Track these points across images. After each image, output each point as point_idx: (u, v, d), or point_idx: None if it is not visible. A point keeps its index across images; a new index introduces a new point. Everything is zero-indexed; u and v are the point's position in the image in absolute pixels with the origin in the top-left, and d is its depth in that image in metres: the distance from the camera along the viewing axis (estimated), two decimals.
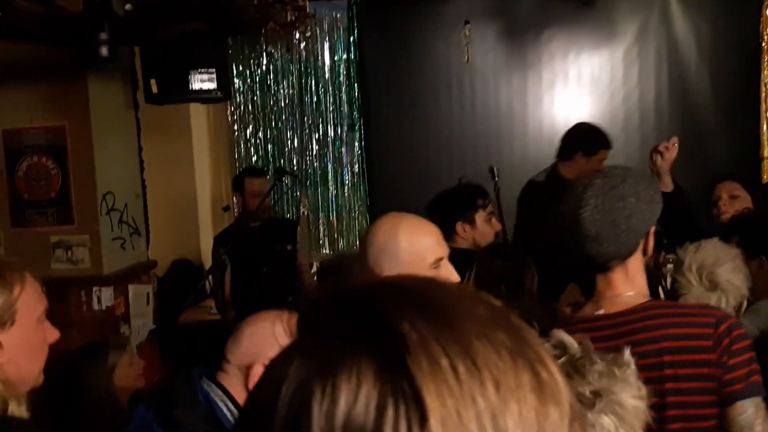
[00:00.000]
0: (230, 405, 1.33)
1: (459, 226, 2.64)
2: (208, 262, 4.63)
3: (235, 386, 1.36)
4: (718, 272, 1.94)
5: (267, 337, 1.32)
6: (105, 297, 3.68)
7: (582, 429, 0.43)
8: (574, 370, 1.03)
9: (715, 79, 4.94)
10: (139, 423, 1.37)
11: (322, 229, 5.30)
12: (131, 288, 3.88)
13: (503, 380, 0.40)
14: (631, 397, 0.98)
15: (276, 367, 0.45)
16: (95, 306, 3.67)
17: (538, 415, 0.40)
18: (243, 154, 5.23)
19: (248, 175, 3.90)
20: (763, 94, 4.95)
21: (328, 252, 5.27)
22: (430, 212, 2.62)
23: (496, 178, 4.18)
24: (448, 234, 2.62)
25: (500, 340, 0.41)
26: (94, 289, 3.66)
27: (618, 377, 1.00)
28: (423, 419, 0.38)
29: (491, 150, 5.09)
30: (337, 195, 5.31)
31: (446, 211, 2.68)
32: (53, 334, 1.34)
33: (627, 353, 1.03)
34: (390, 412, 0.38)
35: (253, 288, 3.64)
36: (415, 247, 1.56)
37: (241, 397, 1.35)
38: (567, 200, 1.54)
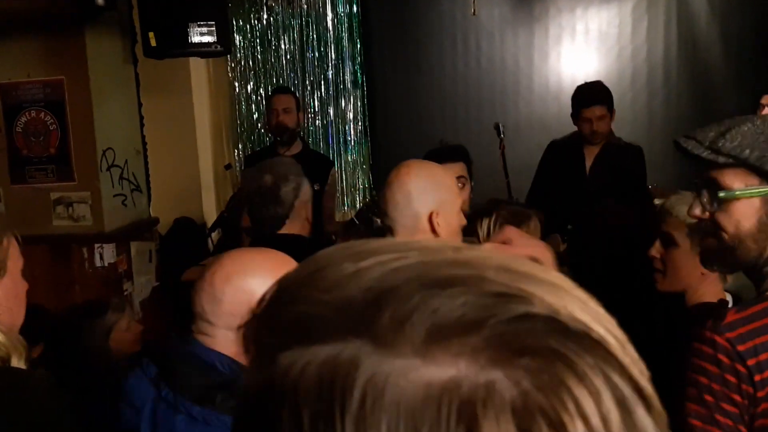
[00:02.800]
0: (227, 364, 1.24)
1: None
2: (210, 221, 4.61)
3: (228, 349, 1.25)
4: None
5: (253, 291, 1.22)
6: (107, 254, 3.66)
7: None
8: None
9: (725, 33, 4.84)
10: (138, 377, 1.34)
11: (337, 182, 5.26)
12: (133, 245, 3.86)
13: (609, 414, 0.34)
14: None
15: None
16: (97, 263, 3.65)
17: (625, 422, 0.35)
18: (244, 110, 5.16)
19: (272, 93, 3.94)
20: None
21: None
22: None
23: (502, 135, 4.12)
24: None
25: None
26: (96, 246, 3.64)
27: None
28: None
29: (496, 106, 5.02)
30: (339, 152, 5.26)
31: None
32: (26, 286, 1.40)
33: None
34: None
35: None
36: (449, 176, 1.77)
37: (239, 357, 1.23)
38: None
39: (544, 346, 0.33)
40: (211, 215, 4.77)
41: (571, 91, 5.09)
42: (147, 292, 4.01)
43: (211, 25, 3.61)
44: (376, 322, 0.34)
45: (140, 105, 4.12)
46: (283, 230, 2.16)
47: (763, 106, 3.83)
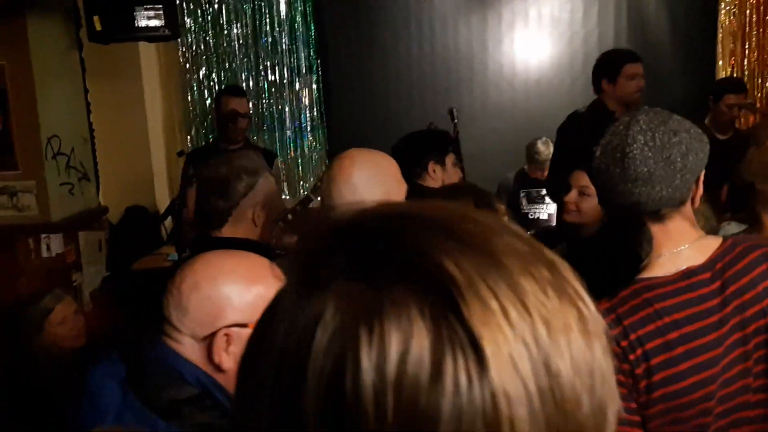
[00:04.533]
0: (195, 375, 1.18)
1: (431, 166, 2.66)
2: (162, 208, 4.53)
3: (194, 357, 1.19)
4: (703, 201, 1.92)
5: (220, 301, 1.16)
6: (54, 244, 3.57)
7: (610, 356, 0.41)
8: None
9: (673, 20, 4.93)
10: (106, 375, 1.24)
11: (281, 174, 5.20)
12: (82, 235, 3.77)
13: (553, 321, 0.37)
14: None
15: (286, 313, 0.39)
16: (44, 253, 3.56)
17: (585, 353, 0.38)
18: (196, 96, 5.07)
19: (225, 94, 3.72)
20: (720, 36, 4.96)
21: (287, 198, 5.20)
22: (400, 150, 2.63)
23: (456, 120, 4.12)
24: (419, 172, 2.63)
25: (544, 277, 0.38)
26: (43, 236, 3.55)
27: None
28: (482, 369, 0.35)
29: (451, 91, 5.03)
30: (295, 139, 5.21)
31: (420, 149, 2.69)
32: None
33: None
34: (448, 362, 0.35)
35: None
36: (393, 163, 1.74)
37: (205, 367, 1.18)
38: (609, 141, 1.31)
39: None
40: (163, 203, 4.69)
41: (524, 75, 5.16)
42: (97, 282, 3.93)
43: (158, 9, 3.53)
44: None
45: (86, 91, 4.01)
46: (225, 228, 2.05)
47: (733, 107, 3.84)
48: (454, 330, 0.35)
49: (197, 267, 1.21)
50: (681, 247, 1.30)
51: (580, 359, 0.37)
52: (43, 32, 3.64)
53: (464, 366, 0.35)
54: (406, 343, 0.35)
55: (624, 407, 1.22)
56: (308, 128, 5.21)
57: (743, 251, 1.30)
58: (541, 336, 0.36)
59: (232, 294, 1.16)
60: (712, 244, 1.32)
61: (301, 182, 5.29)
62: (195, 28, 5.02)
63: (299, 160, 5.23)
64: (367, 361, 0.35)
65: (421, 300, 0.36)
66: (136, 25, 3.40)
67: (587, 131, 3.43)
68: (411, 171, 2.59)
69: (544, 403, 0.35)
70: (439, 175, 2.67)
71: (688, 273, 1.28)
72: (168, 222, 4.35)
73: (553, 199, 3.53)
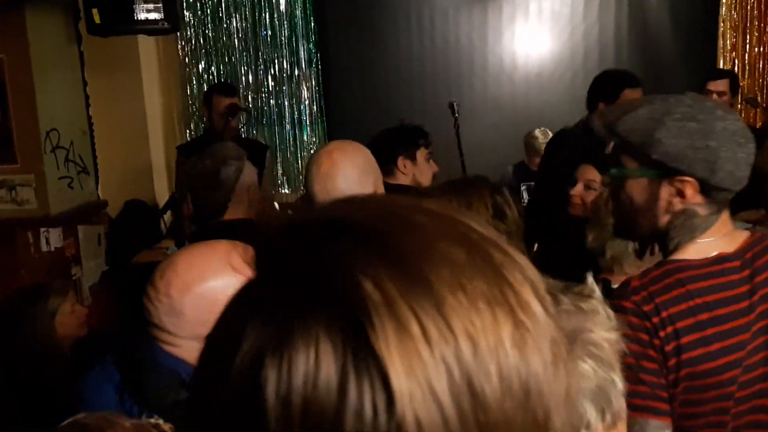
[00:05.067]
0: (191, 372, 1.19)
1: (400, 161, 2.64)
2: (162, 202, 4.52)
3: (193, 356, 1.18)
4: None
5: (215, 295, 1.15)
6: (53, 238, 3.56)
7: (568, 371, 0.39)
8: None
9: (674, 14, 4.91)
10: (99, 381, 1.24)
11: (280, 168, 5.19)
12: (81, 229, 3.76)
13: (481, 340, 0.36)
14: (605, 331, 0.90)
15: (228, 323, 0.39)
16: (44, 247, 3.55)
17: (519, 368, 0.36)
18: (195, 90, 5.05)
19: (217, 92, 3.73)
20: (721, 30, 4.95)
21: (287, 192, 5.19)
22: (371, 148, 2.59)
23: (456, 114, 4.12)
24: (388, 168, 2.59)
25: (479, 290, 0.37)
26: (42, 230, 3.54)
27: (587, 311, 0.91)
28: (390, 402, 0.33)
29: (451, 86, 5.01)
30: (294, 133, 5.20)
31: (388, 145, 2.65)
32: None
33: (590, 280, 0.93)
34: (352, 394, 0.34)
35: None
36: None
37: None
38: (726, 126, 1.28)
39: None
40: (163, 197, 4.68)
41: (524, 69, 5.14)
42: (96, 276, 3.92)
43: (157, 2, 3.52)
44: None
45: (85, 84, 4.00)
46: (227, 216, 2.09)
47: (710, 93, 3.89)
48: (362, 358, 0.34)
49: (179, 269, 1.19)
50: (715, 236, 1.33)
51: (512, 376, 0.36)
52: (42, 25, 3.62)
53: (370, 397, 0.33)
54: (312, 374, 0.34)
55: (653, 382, 1.26)
56: (308, 122, 5.20)
57: None
58: (464, 357, 0.35)
59: (224, 285, 1.15)
60: (743, 235, 1.35)
61: (301, 177, 5.28)
62: (194, 21, 5.00)
63: (299, 154, 5.22)
64: (271, 390, 0.34)
65: (332, 326, 0.35)
66: (135, 17, 3.39)
67: (579, 152, 3.38)
68: (382, 168, 2.55)
69: (466, 426, 0.34)
70: (410, 170, 2.64)
71: (720, 259, 1.31)
72: (167, 216, 4.35)
73: (541, 213, 3.33)
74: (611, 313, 0.90)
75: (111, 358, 1.27)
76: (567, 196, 2.53)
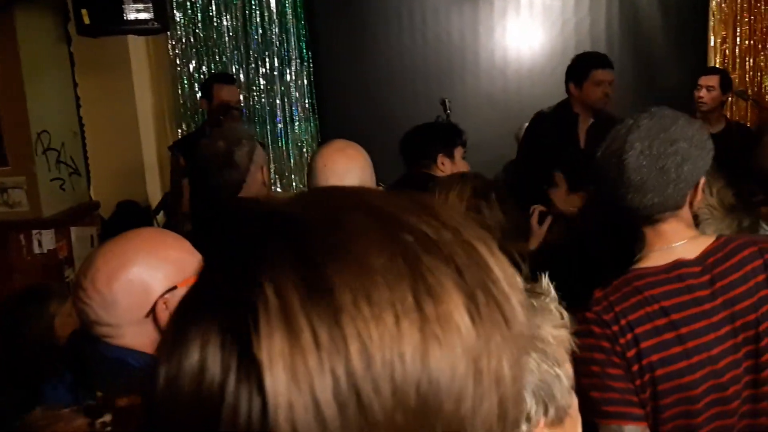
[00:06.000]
0: (139, 359, 1.19)
1: (440, 158, 2.69)
2: (154, 203, 4.50)
3: (138, 342, 1.20)
4: (731, 194, 1.89)
5: (142, 278, 1.18)
6: (46, 240, 3.55)
7: (500, 384, 0.38)
8: None
9: (664, 7, 4.92)
10: (53, 385, 1.26)
11: (272, 166, 5.18)
12: (73, 230, 3.75)
13: (377, 353, 0.35)
14: (553, 327, 0.91)
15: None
16: (36, 250, 3.54)
17: (419, 384, 0.35)
18: (187, 90, 5.03)
19: (216, 82, 3.67)
20: (711, 24, 4.96)
21: (279, 190, 5.18)
22: (409, 142, 2.69)
23: (448, 111, 4.12)
24: (427, 163, 2.65)
25: (387, 300, 0.36)
26: (34, 232, 3.53)
27: (537, 308, 0.92)
28: (264, 405, 0.34)
29: (443, 82, 5.01)
30: (286, 131, 5.18)
31: (431, 140, 2.73)
32: None
33: (545, 280, 0.93)
34: (230, 398, 0.34)
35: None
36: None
37: (148, 347, 1.19)
38: (609, 144, 1.33)
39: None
40: (156, 197, 4.66)
41: (516, 64, 5.14)
42: None
43: (147, 2, 3.50)
44: None
45: (76, 85, 3.98)
46: (242, 195, 2.13)
47: (701, 87, 3.90)
48: (245, 363, 0.34)
49: (99, 264, 1.22)
50: (674, 244, 1.35)
51: (408, 390, 0.35)
52: (32, 26, 3.60)
53: (246, 402, 0.34)
54: (197, 374, 0.35)
55: (622, 387, 1.28)
56: (300, 120, 5.19)
57: (735, 248, 1.34)
58: (355, 369, 0.34)
59: (149, 267, 1.19)
60: (706, 241, 1.37)
61: (293, 174, 5.27)
62: (184, 20, 4.97)
63: (291, 152, 5.21)
64: (164, 384, 0.36)
65: (225, 329, 0.35)
66: (124, 18, 3.37)
67: (552, 132, 3.49)
68: (420, 162, 2.69)
69: (347, 428, 0.34)
70: (448, 167, 2.70)
71: (678, 264, 1.33)
72: (161, 216, 4.33)
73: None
74: (564, 312, 0.91)
75: (61, 365, 1.32)
76: (544, 186, 2.58)
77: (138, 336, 1.19)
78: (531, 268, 1.04)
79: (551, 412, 0.83)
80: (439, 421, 0.36)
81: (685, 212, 1.35)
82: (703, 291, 1.30)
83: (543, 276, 0.94)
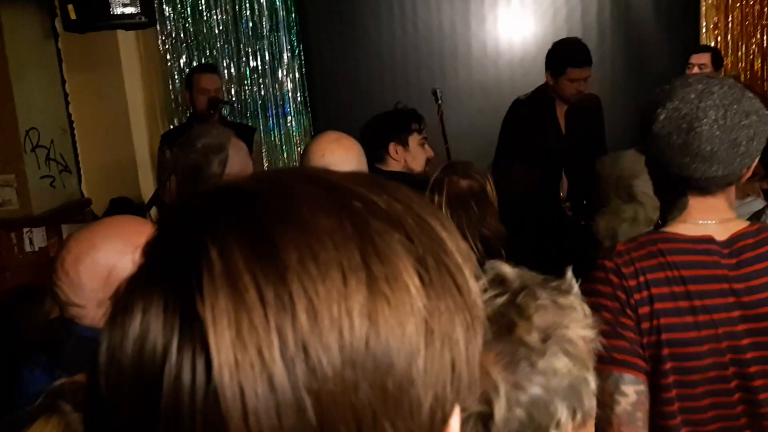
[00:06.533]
0: None
1: (392, 147, 2.60)
2: (147, 198, 4.48)
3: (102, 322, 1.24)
4: (635, 184, 1.94)
5: (108, 260, 1.23)
6: (37, 238, 3.53)
7: (455, 348, 0.38)
8: (517, 313, 0.87)
9: None
10: (29, 370, 1.31)
11: (265, 160, 5.16)
12: (65, 228, 3.73)
13: (324, 310, 0.35)
14: (581, 328, 0.88)
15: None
16: (27, 248, 3.52)
17: (369, 341, 0.35)
18: (178, 84, 5.00)
19: (196, 72, 3.74)
20: (703, 9, 4.94)
21: None
22: (364, 134, 2.55)
23: (440, 101, 4.11)
24: (380, 155, 2.57)
25: (334, 258, 0.36)
26: (25, 230, 3.51)
27: (564, 307, 0.89)
28: (209, 368, 0.33)
29: (435, 72, 4.99)
30: (278, 124, 5.16)
31: (380, 131, 2.63)
32: None
33: (569, 274, 0.91)
34: (173, 360, 0.34)
35: None
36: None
37: None
38: (677, 107, 1.27)
39: None
40: (148, 193, 4.64)
41: (508, 54, 5.11)
42: None
43: None
44: None
45: (64, 82, 3.95)
46: None
47: (692, 66, 3.90)
48: (188, 325, 0.34)
49: (70, 246, 1.28)
50: (709, 221, 1.33)
51: (357, 346, 0.35)
52: (18, 23, 3.58)
53: (190, 363, 0.33)
54: (140, 337, 0.35)
55: (632, 338, 1.28)
56: (292, 113, 5.16)
57: (765, 238, 1.32)
58: (302, 326, 0.34)
59: (115, 249, 1.23)
60: (739, 224, 1.35)
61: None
62: (174, 15, 4.94)
63: (283, 146, 5.19)
64: (106, 344, 0.37)
65: (168, 292, 0.35)
66: (111, 12, 3.34)
67: (531, 118, 3.51)
68: (374, 155, 2.53)
69: (297, 394, 0.34)
70: (402, 156, 2.60)
71: (708, 240, 1.32)
72: (153, 211, 4.31)
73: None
74: (588, 310, 0.89)
75: (35, 352, 1.37)
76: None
77: (101, 316, 1.20)
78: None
79: (578, 416, 0.82)
80: (390, 378, 0.36)
81: (733, 189, 1.34)
82: (727, 271, 1.30)
83: (568, 271, 0.91)
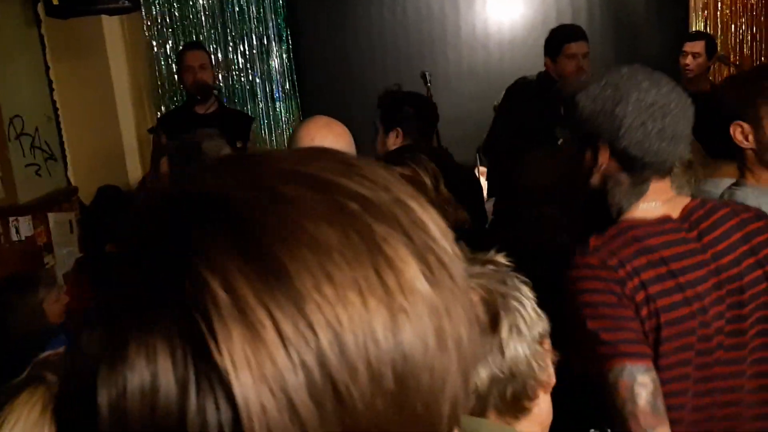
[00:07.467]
0: None
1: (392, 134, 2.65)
2: (135, 185, 4.45)
3: None
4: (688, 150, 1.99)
5: None
6: (23, 227, 3.50)
7: (459, 345, 0.37)
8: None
9: None
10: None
11: (258, 139, 5.12)
12: (51, 216, 3.70)
13: (348, 336, 0.32)
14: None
15: (81, 330, 0.36)
16: (14, 237, 3.48)
17: (394, 360, 0.33)
18: (165, 70, 4.95)
19: (182, 51, 3.73)
20: None
21: None
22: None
23: (429, 84, 4.07)
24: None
25: (349, 278, 0.33)
26: (11, 219, 3.47)
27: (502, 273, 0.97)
28: (236, 415, 0.30)
29: (425, 56, 4.96)
30: (267, 109, 5.12)
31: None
32: None
33: (492, 252, 1.00)
34: (193, 412, 0.31)
35: None
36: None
37: None
38: (640, 97, 1.31)
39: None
40: (136, 180, 4.61)
41: (497, 36, 5.09)
42: (70, 264, 3.86)
43: None
44: None
45: (48, 68, 3.90)
46: None
47: (686, 54, 3.88)
48: (203, 371, 0.31)
49: None
50: (660, 201, 1.38)
51: (384, 369, 0.33)
52: None
53: (214, 412, 0.30)
54: (149, 392, 0.31)
55: (636, 328, 1.30)
56: (281, 98, 5.12)
57: (713, 208, 1.39)
58: (327, 357, 0.32)
59: None
60: (684, 200, 1.41)
61: None
62: (159, 0, 4.88)
63: (273, 131, 5.15)
64: (104, 398, 0.32)
65: (172, 336, 0.31)
66: None
67: (536, 101, 3.46)
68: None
69: (326, 424, 0.32)
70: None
71: (668, 219, 1.37)
72: None
73: (487, 157, 3.50)
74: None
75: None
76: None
77: None
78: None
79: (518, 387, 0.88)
80: (419, 400, 0.34)
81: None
82: (695, 244, 1.35)
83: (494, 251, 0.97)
